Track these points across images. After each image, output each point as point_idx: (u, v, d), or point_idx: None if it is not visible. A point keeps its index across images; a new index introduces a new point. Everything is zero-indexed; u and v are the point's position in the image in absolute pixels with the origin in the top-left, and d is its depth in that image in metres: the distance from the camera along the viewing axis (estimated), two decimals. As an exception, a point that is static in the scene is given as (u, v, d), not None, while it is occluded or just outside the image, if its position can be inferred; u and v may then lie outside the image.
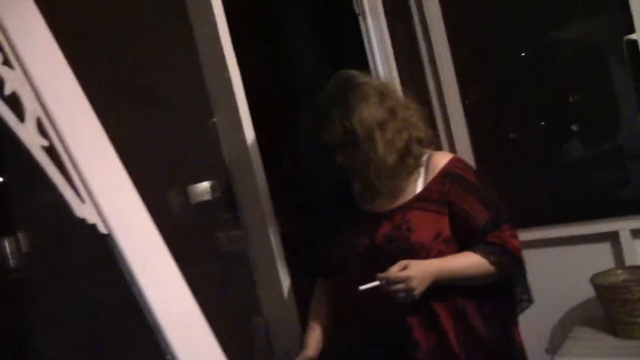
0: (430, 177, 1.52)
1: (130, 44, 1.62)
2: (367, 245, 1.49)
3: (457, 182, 1.49)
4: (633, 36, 2.40)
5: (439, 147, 2.70)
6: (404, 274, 1.34)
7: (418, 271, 1.35)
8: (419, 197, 1.50)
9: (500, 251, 1.44)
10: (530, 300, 1.59)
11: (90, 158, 1.06)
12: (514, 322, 1.60)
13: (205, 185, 1.78)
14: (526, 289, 1.56)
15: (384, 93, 1.51)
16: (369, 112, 1.45)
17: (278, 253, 1.75)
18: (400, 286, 1.34)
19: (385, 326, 1.47)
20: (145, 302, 0.99)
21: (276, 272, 1.74)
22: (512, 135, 2.94)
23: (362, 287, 1.34)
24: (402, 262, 1.36)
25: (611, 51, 2.58)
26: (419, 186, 1.52)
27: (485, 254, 1.43)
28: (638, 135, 2.54)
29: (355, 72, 1.54)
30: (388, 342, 1.47)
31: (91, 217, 1.01)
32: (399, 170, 1.50)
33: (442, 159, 1.54)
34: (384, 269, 1.37)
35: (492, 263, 1.43)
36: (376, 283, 1.34)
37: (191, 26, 1.74)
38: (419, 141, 1.53)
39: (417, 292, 1.35)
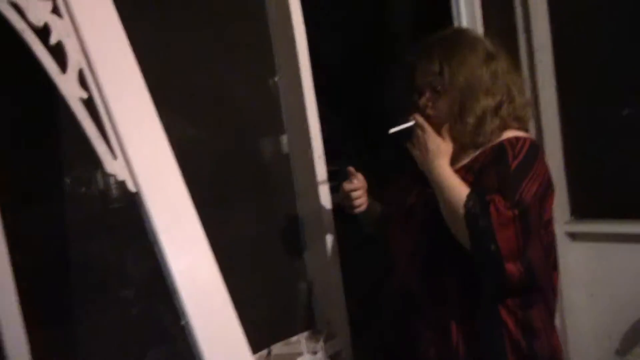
0: (486, 148, 1.45)
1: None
2: (411, 203, 1.52)
3: (495, 154, 1.41)
4: None
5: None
6: (429, 130, 1.42)
7: (435, 144, 1.42)
8: (464, 167, 1.46)
9: (481, 206, 1.31)
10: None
11: (129, 114, 1.05)
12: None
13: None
14: (488, 274, 1.37)
15: (491, 55, 1.46)
16: (472, 68, 1.42)
17: (327, 219, 1.71)
18: (418, 131, 1.43)
19: (401, 286, 1.52)
20: (165, 265, 0.98)
21: (324, 238, 1.70)
22: (610, 114, 2.67)
23: (393, 130, 1.45)
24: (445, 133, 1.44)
25: None
26: (472, 156, 1.47)
27: (470, 195, 1.34)
28: None
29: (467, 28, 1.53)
30: (402, 301, 1.52)
31: (122, 173, 1.00)
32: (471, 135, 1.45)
33: (507, 134, 1.45)
34: (415, 229, 1.46)
35: (465, 205, 1.32)
36: (411, 123, 1.45)
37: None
38: (504, 120, 1.45)
39: (416, 151, 1.44)
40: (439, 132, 1.45)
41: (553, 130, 2.68)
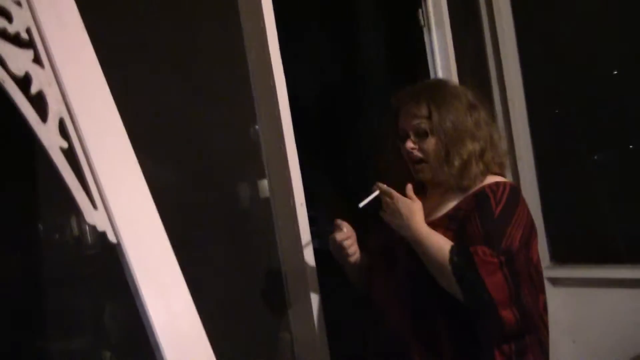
0: (467, 195, 1.47)
1: (178, 47, 1.60)
2: (394, 251, 1.52)
3: (478, 201, 1.43)
4: None
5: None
6: (396, 194, 1.42)
7: (407, 205, 1.42)
8: (447, 215, 1.48)
9: (465, 259, 1.32)
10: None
11: (110, 164, 1.03)
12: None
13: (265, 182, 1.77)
14: (484, 324, 1.37)
15: (473, 104, 1.51)
16: (458, 113, 1.46)
17: (310, 270, 1.69)
18: (385, 199, 1.43)
19: (391, 335, 1.49)
20: (146, 318, 0.94)
21: (307, 289, 1.68)
22: (584, 159, 2.73)
23: (362, 203, 1.45)
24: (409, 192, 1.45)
25: None
26: (454, 203, 1.48)
27: (452, 250, 1.35)
28: None
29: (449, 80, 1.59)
30: (392, 351, 1.49)
31: (102, 224, 0.98)
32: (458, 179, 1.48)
33: (488, 180, 1.48)
34: (401, 273, 1.46)
35: (450, 261, 1.33)
36: (376, 193, 1.45)
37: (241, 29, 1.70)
38: (487, 165, 1.49)
39: (389, 216, 1.43)
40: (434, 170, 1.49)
41: (530, 178, 2.74)
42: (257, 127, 1.73)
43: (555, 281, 2.69)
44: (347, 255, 1.55)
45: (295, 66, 1.81)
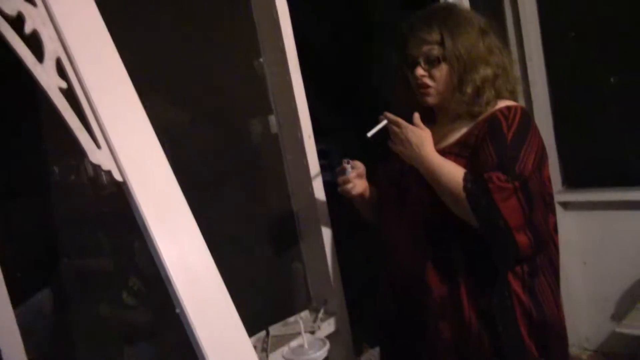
0: (478, 121, 1.45)
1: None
2: (403, 181, 1.51)
3: (490, 126, 1.41)
4: None
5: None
6: (404, 123, 1.40)
7: (417, 134, 1.40)
8: (459, 142, 1.46)
9: (479, 186, 1.32)
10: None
11: (111, 102, 1.02)
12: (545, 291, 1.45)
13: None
14: (500, 249, 1.37)
15: (485, 29, 1.47)
16: (471, 39, 1.42)
17: (319, 203, 1.70)
18: (394, 128, 1.41)
19: (405, 266, 1.50)
20: (157, 255, 0.96)
21: (317, 218, 1.70)
22: (599, 82, 2.65)
23: (370, 133, 1.41)
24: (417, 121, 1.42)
25: None
26: (465, 130, 1.46)
27: (466, 177, 1.35)
28: None
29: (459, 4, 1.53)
30: (406, 282, 1.50)
31: (107, 163, 0.98)
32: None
33: (499, 105, 1.45)
34: (412, 202, 1.45)
35: (464, 188, 1.33)
36: (384, 123, 1.41)
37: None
38: (499, 92, 1.45)
39: (400, 145, 1.41)
40: (427, 108, 1.46)
41: (543, 102, 2.69)
42: (261, 60, 1.69)
43: (566, 205, 2.69)
44: (351, 196, 1.54)
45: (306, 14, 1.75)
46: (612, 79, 2.62)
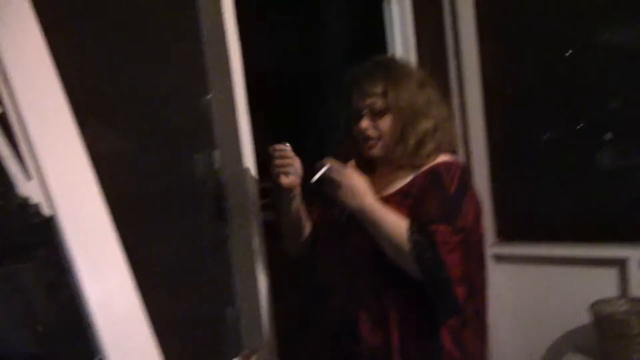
0: (419, 172, 1.49)
1: (126, 10, 1.53)
2: (343, 226, 1.52)
3: (433, 178, 1.45)
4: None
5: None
6: (346, 171, 1.41)
7: (358, 183, 1.41)
8: (400, 191, 1.49)
9: (425, 238, 1.34)
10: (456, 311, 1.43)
11: (47, 132, 0.99)
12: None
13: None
14: (440, 300, 1.40)
15: (423, 82, 1.52)
16: (412, 91, 1.47)
17: (259, 245, 1.67)
18: (335, 175, 1.41)
19: (338, 312, 1.51)
20: (81, 295, 0.92)
21: (254, 264, 1.66)
22: (534, 138, 2.79)
23: (313, 179, 1.43)
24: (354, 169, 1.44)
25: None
26: (407, 180, 1.49)
27: (411, 229, 1.36)
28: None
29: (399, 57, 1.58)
30: (338, 328, 1.51)
31: (36, 195, 0.93)
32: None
33: (440, 158, 1.50)
34: (350, 250, 1.47)
35: (409, 239, 1.35)
36: (325, 167, 1.42)
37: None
38: (439, 144, 1.50)
39: (341, 193, 1.41)
40: (388, 149, 1.49)
41: (481, 155, 2.78)
42: (209, 97, 1.68)
43: (499, 258, 2.77)
44: (281, 167, 1.48)
45: (252, 37, 1.76)
46: (545, 136, 2.76)
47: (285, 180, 1.49)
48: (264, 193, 1.74)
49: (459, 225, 1.37)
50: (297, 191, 1.55)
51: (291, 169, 1.48)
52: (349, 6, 2.88)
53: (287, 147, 1.48)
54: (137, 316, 0.96)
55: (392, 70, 1.50)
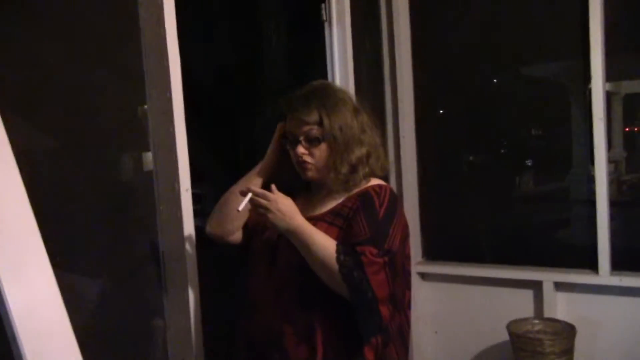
0: (351, 194, 1.53)
1: (67, 16, 1.50)
2: (274, 240, 1.54)
3: (363, 201, 1.50)
4: (592, 84, 2.42)
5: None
6: (271, 195, 1.42)
7: (286, 205, 1.42)
8: (332, 211, 1.53)
9: (353, 259, 1.39)
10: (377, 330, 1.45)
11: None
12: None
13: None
14: (365, 318, 1.42)
15: (357, 109, 1.55)
16: (346, 119, 1.50)
17: (190, 258, 1.66)
18: (262, 201, 1.41)
19: (265, 325, 1.52)
20: (4, 307, 0.89)
21: (184, 274, 1.65)
22: (460, 162, 2.93)
23: (240, 207, 1.42)
24: (277, 192, 1.44)
25: (575, 95, 2.60)
26: (339, 201, 1.54)
27: (339, 250, 1.41)
28: (584, 181, 2.56)
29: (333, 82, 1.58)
30: (263, 341, 1.52)
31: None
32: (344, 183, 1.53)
33: (371, 182, 1.56)
34: (280, 264, 1.49)
35: (337, 260, 1.39)
36: (249, 196, 1.42)
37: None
38: (372, 169, 1.55)
39: (271, 217, 1.41)
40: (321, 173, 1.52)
41: (411, 176, 2.88)
42: (145, 107, 1.66)
43: (424, 275, 2.87)
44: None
45: (193, 49, 1.76)
46: (470, 157, 2.90)
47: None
48: (195, 198, 1.73)
49: (386, 247, 1.42)
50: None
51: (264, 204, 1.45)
52: (291, 24, 2.92)
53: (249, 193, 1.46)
54: (63, 329, 0.94)
55: (328, 97, 1.52)
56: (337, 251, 1.40)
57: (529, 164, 2.77)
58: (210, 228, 1.67)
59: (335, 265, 1.39)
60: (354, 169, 1.51)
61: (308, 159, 1.52)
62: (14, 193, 0.97)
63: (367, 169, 1.53)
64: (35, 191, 1.03)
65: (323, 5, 2.47)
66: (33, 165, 1.29)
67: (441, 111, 2.96)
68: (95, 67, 1.57)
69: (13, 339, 0.88)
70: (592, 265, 2.47)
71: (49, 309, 0.94)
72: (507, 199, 2.83)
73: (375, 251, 1.40)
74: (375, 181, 1.56)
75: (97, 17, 1.57)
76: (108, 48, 1.60)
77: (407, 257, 1.55)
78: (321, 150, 1.50)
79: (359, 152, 1.51)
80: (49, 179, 1.44)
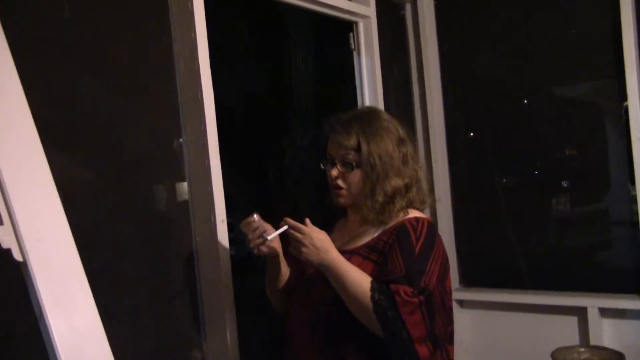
0: (387, 228, 1.48)
1: (105, 51, 1.54)
2: (310, 274, 1.51)
3: (399, 235, 1.44)
4: (627, 103, 2.38)
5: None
6: (306, 229, 1.37)
7: (320, 240, 1.38)
8: (367, 245, 1.48)
9: (387, 298, 1.34)
10: None
11: (20, 174, 0.97)
12: None
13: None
14: (405, 357, 1.37)
15: (402, 139, 1.51)
16: (387, 148, 1.46)
17: (226, 284, 1.66)
18: (297, 235, 1.37)
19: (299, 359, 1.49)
20: (51, 344, 0.89)
21: (222, 309, 1.64)
22: (494, 185, 2.87)
23: (270, 236, 1.41)
24: (311, 225, 1.40)
25: (610, 115, 2.55)
26: (374, 235, 1.49)
27: (373, 287, 1.36)
28: (625, 202, 2.49)
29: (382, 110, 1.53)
30: None
31: (7, 240, 0.91)
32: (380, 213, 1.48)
33: (409, 215, 1.50)
34: (314, 300, 1.46)
35: (372, 298, 1.35)
36: (284, 228, 1.39)
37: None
38: (411, 202, 1.50)
39: (305, 251, 1.37)
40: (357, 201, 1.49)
41: (445, 203, 2.85)
42: (181, 140, 1.69)
43: (462, 303, 2.81)
44: (263, 252, 1.49)
45: (226, 81, 1.79)
46: (504, 180, 2.85)
47: (264, 249, 1.50)
48: (230, 228, 1.73)
49: (422, 285, 1.36)
50: (280, 253, 1.55)
51: (265, 235, 1.45)
52: (320, 53, 2.96)
53: (254, 217, 1.46)
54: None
55: (371, 124, 1.49)
56: (372, 289, 1.36)
57: (565, 185, 2.71)
58: (278, 307, 1.66)
59: (369, 304, 1.35)
60: (390, 199, 1.46)
61: (341, 183, 1.49)
62: (59, 228, 0.98)
63: (404, 202, 1.48)
64: (75, 223, 1.04)
65: (351, 34, 2.49)
66: (72, 197, 1.32)
67: (472, 134, 2.93)
68: (132, 101, 1.61)
69: (59, 375, 0.88)
70: (637, 289, 2.38)
71: (93, 343, 0.95)
72: (544, 222, 2.76)
73: (410, 290, 1.34)
74: (413, 213, 1.50)
75: (134, 53, 1.61)
76: (144, 83, 1.64)
77: (447, 293, 1.47)
78: (355, 177, 1.47)
79: (396, 182, 1.46)
80: (92, 219, 1.46)
